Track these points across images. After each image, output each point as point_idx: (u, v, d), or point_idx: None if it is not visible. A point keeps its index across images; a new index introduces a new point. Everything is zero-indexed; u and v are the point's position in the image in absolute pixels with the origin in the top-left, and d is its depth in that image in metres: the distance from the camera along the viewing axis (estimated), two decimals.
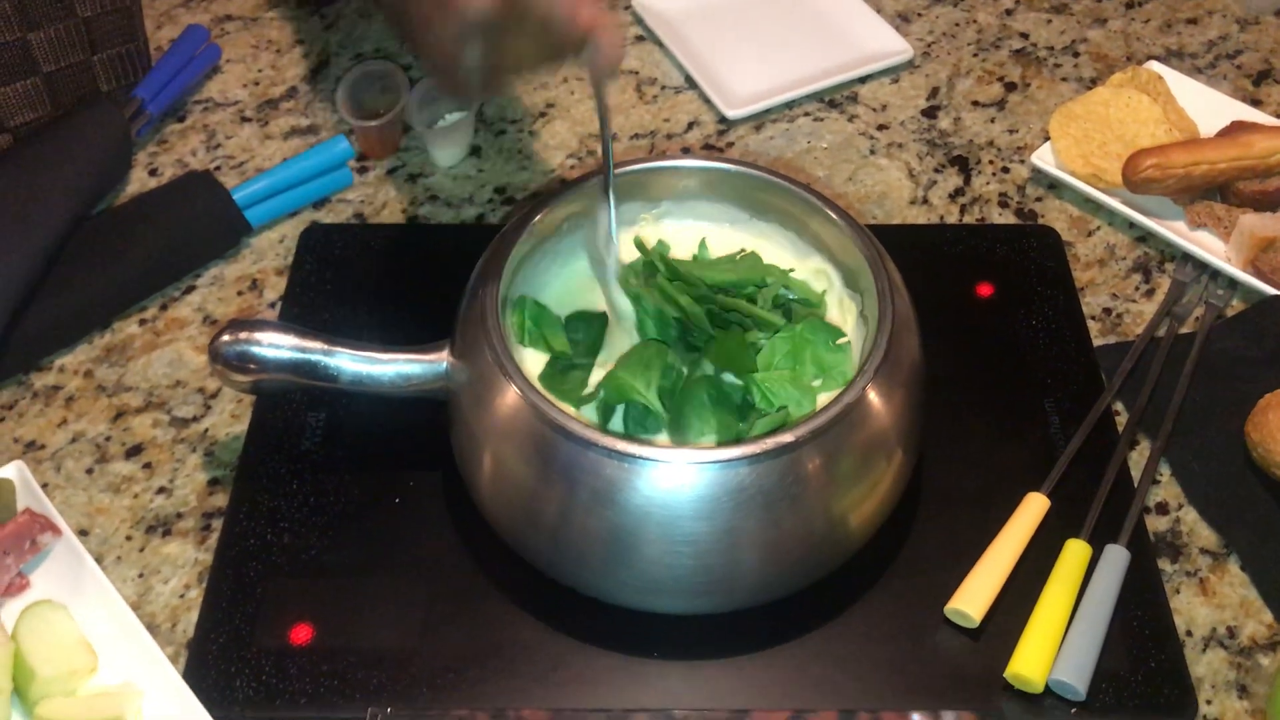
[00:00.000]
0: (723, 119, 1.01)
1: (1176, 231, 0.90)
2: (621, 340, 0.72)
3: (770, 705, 0.66)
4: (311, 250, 0.90)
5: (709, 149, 0.99)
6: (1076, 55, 1.07)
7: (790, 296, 0.74)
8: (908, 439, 0.69)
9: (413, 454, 0.77)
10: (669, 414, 0.68)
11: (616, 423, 0.69)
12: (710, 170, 0.77)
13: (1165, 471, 0.78)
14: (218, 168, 0.97)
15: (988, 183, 0.96)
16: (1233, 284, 0.87)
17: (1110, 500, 0.74)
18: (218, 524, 0.75)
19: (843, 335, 0.72)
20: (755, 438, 0.64)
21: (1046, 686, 0.67)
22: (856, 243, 0.71)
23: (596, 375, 0.71)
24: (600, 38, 0.61)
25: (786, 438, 0.62)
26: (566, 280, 0.76)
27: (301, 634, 0.70)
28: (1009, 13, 1.11)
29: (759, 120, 1.01)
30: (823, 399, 0.69)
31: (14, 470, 0.73)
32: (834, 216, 0.73)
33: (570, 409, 0.67)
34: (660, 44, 1.07)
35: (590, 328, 0.73)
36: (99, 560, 0.73)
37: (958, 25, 1.10)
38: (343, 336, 0.72)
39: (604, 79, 0.65)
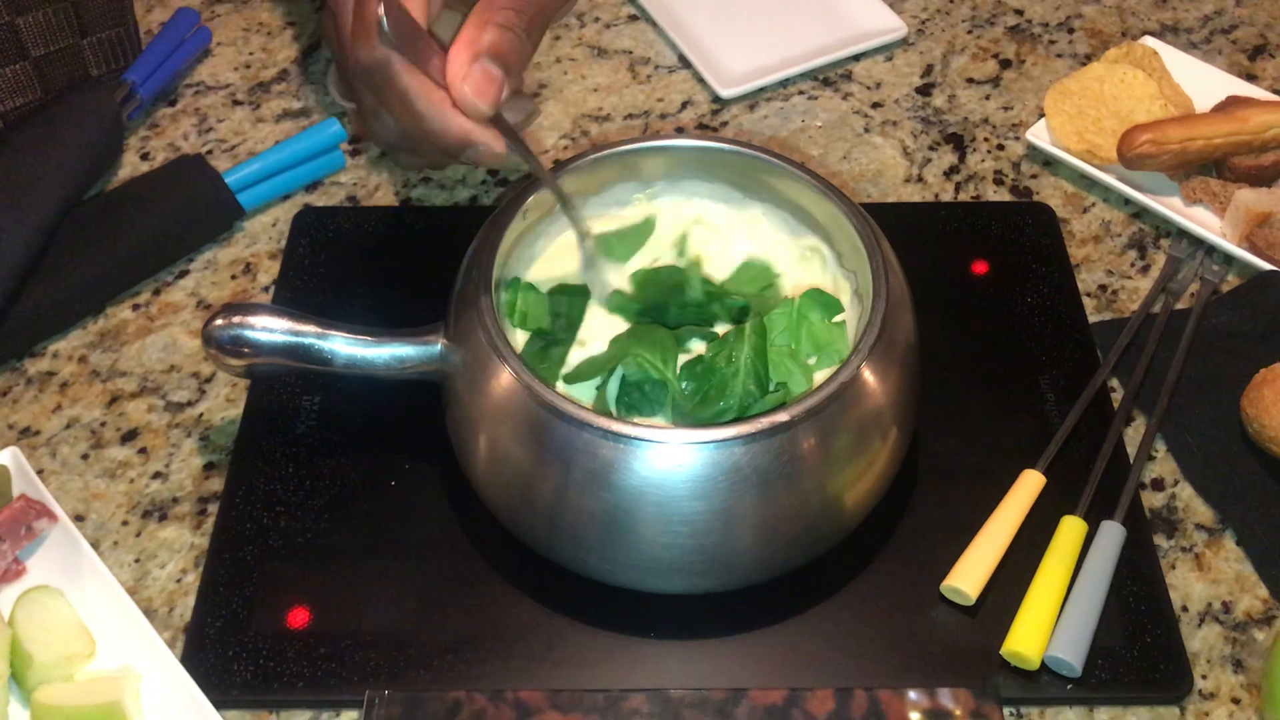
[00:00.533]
0: (716, 98, 1.00)
1: (1172, 207, 0.89)
2: (602, 316, 0.73)
3: (767, 684, 0.66)
4: (304, 233, 0.90)
5: (703, 129, 0.99)
6: (1071, 31, 1.07)
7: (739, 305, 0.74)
8: (903, 417, 0.69)
9: (408, 436, 0.77)
10: (691, 392, 0.68)
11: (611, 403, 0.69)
12: (703, 149, 0.76)
13: (1161, 447, 0.78)
14: (209, 151, 0.97)
15: (983, 160, 0.96)
16: (1228, 259, 0.87)
17: (1106, 477, 0.75)
18: (214, 508, 0.75)
19: (840, 309, 0.72)
20: (750, 417, 0.63)
21: (1042, 663, 0.67)
22: (850, 221, 0.71)
23: (575, 353, 0.71)
24: (478, 143, 0.68)
25: (782, 417, 0.62)
26: (556, 256, 0.76)
27: (298, 617, 0.70)
28: None
29: (753, 99, 1.01)
30: (818, 377, 0.69)
31: (9, 456, 0.73)
32: (828, 194, 0.72)
33: (558, 387, 0.67)
34: (654, 23, 1.06)
35: (571, 303, 0.73)
36: (95, 545, 0.73)
37: (952, 2, 1.10)
38: (337, 320, 0.72)
39: (489, 164, 0.72)
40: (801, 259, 0.76)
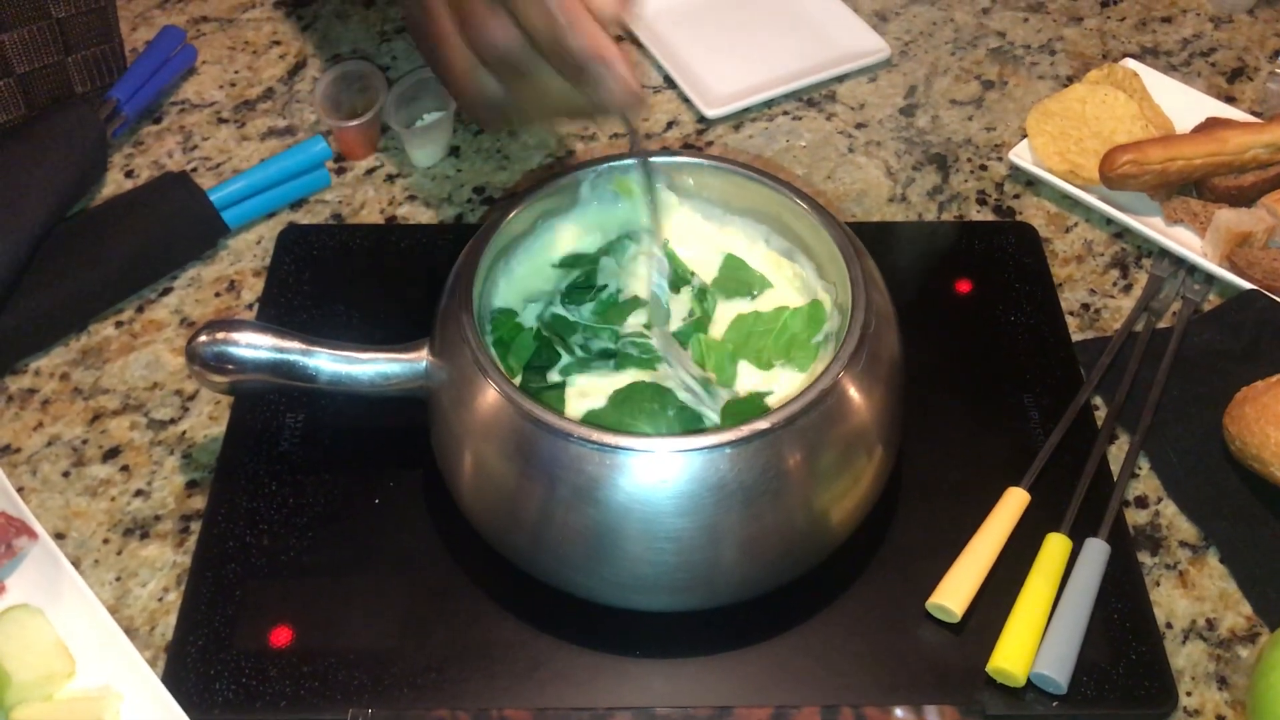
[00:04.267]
0: (702, 118, 1.01)
1: (1153, 227, 0.90)
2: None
3: (753, 702, 0.66)
4: (289, 251, 0.90)
5: (688, 148, 0.99)
6: (1053, 53, 1.08)
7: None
8: (888, 434, 0.69)
9: (392, 454, 0.77)
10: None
11: None
12: (684, 165, 0.76)
13: (1144, 465, 0.78)
14: (194, 169, 0.97)
15: (966, 180, 0.97)
16: (1209, 279, 0.88)
17: (1090, 494, 0.75)
18: (196, 526, 0.75)
19: (823, 322, 0.73)
20: (731, 425, 0.63)
21: (1028, 680, 0.67)
22: (832, 236, 0.71)
23: (579, 403, 0.70)
24: (607, 59, 0.61)
25: (762, 424, 0.62)
26: (534, 272, 0.76)
27: (281, 636, 0.69)
28: (986, 11, 1.12)
29: (738, 119, 1.01)
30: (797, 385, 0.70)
31: None
32: (808, 210, 0.73)
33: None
34: (639, 44, 1.07)
35: (551, 344, 0.72)
36: (76, 564, 0.73)
37: (935, 24, 1.10)
38: (322, 337, 0.71)
39: (624, 111, 0.64)
40: (779, 271, 0.76)
